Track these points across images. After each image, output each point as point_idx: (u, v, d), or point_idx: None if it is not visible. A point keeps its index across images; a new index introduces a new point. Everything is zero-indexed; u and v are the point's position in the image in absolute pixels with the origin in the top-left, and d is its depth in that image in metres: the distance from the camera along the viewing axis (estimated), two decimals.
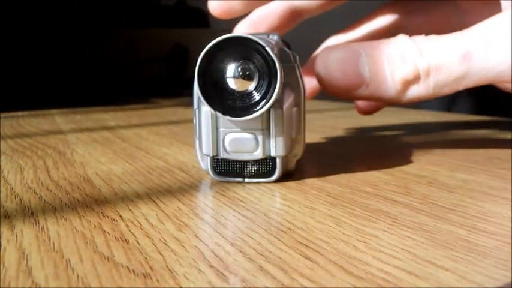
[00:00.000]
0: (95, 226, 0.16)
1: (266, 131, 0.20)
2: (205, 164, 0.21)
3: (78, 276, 0.12)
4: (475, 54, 0.21)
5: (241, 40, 0.19)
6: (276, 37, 0.23)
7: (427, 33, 0.22)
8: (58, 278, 0.12)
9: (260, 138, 0.20)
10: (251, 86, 0.19)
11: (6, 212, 0.17)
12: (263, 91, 0.19)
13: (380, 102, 0.33)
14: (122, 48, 0.78)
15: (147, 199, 0.19)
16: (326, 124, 0.39)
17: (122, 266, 0.13)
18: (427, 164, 0.24)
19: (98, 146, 0.30)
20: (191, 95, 0.21)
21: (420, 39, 0.22)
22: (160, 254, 0.13)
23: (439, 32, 0.23)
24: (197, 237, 0.15)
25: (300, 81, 0.21)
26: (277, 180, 0.21)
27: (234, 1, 0.26)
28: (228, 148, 0.20)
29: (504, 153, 0.27)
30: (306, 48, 0.32)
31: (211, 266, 0.13)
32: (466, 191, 0.19)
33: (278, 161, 0.21)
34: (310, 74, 0.29)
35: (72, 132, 0.37)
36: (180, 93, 0.71)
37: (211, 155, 0.21)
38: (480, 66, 0.21)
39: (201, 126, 0.21)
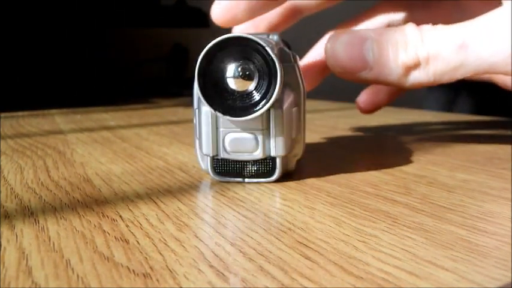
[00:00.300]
0: (95, 226, 0.16)
1: (266, 131, 0.20)
2: (205, 164, 0.21)
3: (78, 276, 0.12)
4: (470, 45, 0.21)
5: (241, 40, 0.19)
6: (275, 37, 0.23)
7: None
8: (58, 278, 0.12)
9: (260, 138, 0.20)
10: (251, 86, 0.19)
11: (6, 212, 0.17)
12: (263, 91, 0.19)
13: (381, 103, 0.33)
14: (122, 48, 0.78)
15: (147, 199, 0.19)
16: (326, 124, 0.39)
17: (122, 266, 0.13)
18: (427, 164, 0.24)
19: (98, 146, 0.30)
20: (191, 95, 0.21)
21: (427, 28, 0.23)
22: (160, 254, 0.13)
23: None
24: (197, 237, 0.15)
25: (300, 81, 0.21)
26: (277, 180, 0.21)
27: (238, 10, 0.26)
28: (228, 148, 0.20)
29: (504, 153, 0.27)
30: (306, 48, 0.32)
31: (211, 266, 0.13)
32: (466, 191, 0.19)
33: (278, 161, 0.21)
34: (312, 67, 0.29)
35: (72, 132, 0.37)
36: (180, 93, 0.71)
37: (211, 155, 0.21)
38: (475, 57, 0.21)
39: (201, 126, 0.21)
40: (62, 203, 0.18)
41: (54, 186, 0.21)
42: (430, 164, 0.24)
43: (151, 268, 0.13)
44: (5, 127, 0.40)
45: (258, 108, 0.19)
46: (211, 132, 0.20)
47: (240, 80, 0.19)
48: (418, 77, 0.23)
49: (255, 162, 0.21)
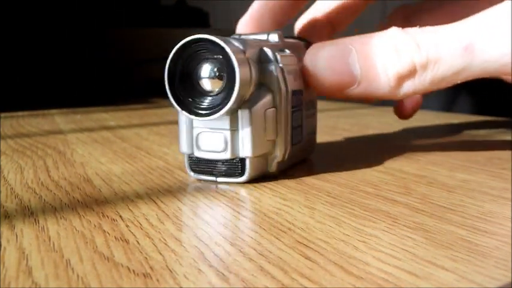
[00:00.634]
0: (95, 226, 0.16)
1: (235, 132, 0.20)
2: (184, 162, 0.22)
3: (78, 276, 0.12)
4: (477, 46, 0.19)
5: (205, 41, 0.19)
6: (276, 36, 0.23)
7: None
8: (58, 278, 0.12)
9: (229, 138, 0.20)
10: (218, 86, 0.20)
11: (6, 212, 0.17)
12: (227, 91, 0.19)
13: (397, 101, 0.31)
14: (122, 48, 0.78)
15: (147, 199, 0.19)
16: (326, 124, 0.39)
17: (122, 266, 0.13)
18: (427, 164, 0.24)
19: (98, 146, 0.30)
20: None
21: (414, 31, 0.21)
22: (160, 254, 0.13)
23: None
24: (197, 237, 0.15)
25: (282, 82, 0.21)
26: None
27: (264, 20, 0.26)
28: (200, 147, 0.21)
29: (504, 153, 0.27)
30: None
31: (211, 266, 0.13)
32: (466, 191, 0.19)
33: (248, 162, 0.20)
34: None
35: (72, 132, 0.37)
36: None
37: (187, 153, 0.21)
38: (483, 59, 0.19)
39: (179, 125, 0.21)
40: (62, 203, 0.18)
41: (54, 186, 0.21)
42: (430, 164, 0.24)
43: (151, 268, 0.13)
44: (5, 127, 0.40)
45: (219, 108, 0.19)
46: (187, 131, 0.21)
47: (208, 80, 0.20)
48: (411, 85, 0.21)
49: (224, 162, 0.21)
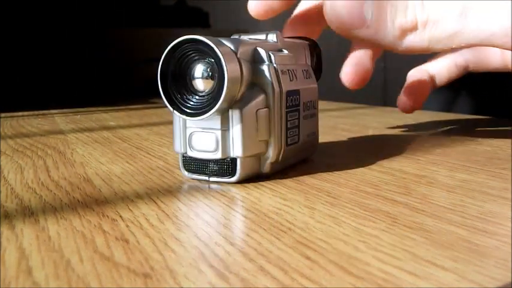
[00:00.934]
0: (95, 226, 0.16)
1: (226, 132, 0.20)
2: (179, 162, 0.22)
3: (78, 276, 0.12)
4: (470, 13, 0.22)
5: (195, 42, 0.19)
6: (274, 36, 0.23)
7: None
8: (58, 278, 0.12)
9: (220, 138, 0.20)
10: (209, 86, 0.20)
11: (7, 212, 0.17)
12: (217, 91, 0.19)
13: (368, 71, 0.31)
14: (122, 48, 0.78)
15: (147, 199, 0.19)
16: (326, 124, 0.39)
17: (122, 266, 0.13)
18: (427, 164, 0.24)
19: (98, 146, 0.30)
20: None
21: None
22: (160, 254, 0.13)
23: None
24: (197, 237, 0.15)
25: (275, 82, 0.21)
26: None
27: (274, 1, 0.26)
28: (193, 147, 0.21)
29: (504, 153, 0.27)
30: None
31: (211, 266, 0.13)
32: (466, 191, 0.19)
33: (239, 161, 0.20)
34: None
35: (72, 132, 0.37)
36: None
37: (181, 152, 0.21)
38: (473, 26, 0.22)
39: (173, 125, 0.21)
40: (62, 203, 0.18)
41: (55, 186, 0.21)
42: (430, 164, 0.24)
43: (151, 268, 0.13)
44: (5, 127, 0.40)
45: (209, 108, 0.19)
46: (181, 131, 0.21)
47: (198, 80, 0.20)
48: (413, 40, 0.23)
49: (216, 161, 0.21)
